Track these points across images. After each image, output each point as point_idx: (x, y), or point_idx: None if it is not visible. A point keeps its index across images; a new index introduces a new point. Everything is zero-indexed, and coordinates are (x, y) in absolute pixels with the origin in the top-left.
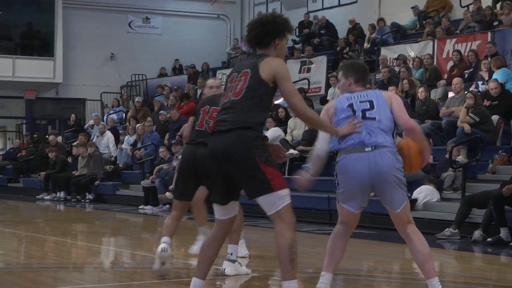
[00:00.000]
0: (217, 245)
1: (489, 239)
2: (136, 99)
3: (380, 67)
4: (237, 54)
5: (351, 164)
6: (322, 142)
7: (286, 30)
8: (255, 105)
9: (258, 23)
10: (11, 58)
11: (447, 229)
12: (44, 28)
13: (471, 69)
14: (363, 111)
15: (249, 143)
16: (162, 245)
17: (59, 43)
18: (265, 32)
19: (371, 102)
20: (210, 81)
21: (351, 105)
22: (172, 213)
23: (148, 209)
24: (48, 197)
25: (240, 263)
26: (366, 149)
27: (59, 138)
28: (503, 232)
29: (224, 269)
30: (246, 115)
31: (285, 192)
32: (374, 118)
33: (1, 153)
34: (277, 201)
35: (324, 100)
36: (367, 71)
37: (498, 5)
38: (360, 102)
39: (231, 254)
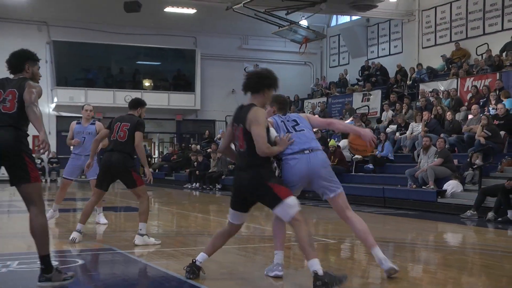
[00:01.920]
0: (226, 239)
1: (499, 219)
2: None
3: (419, 98)
4: (318, 89)
5: (294, 163)
6: None
7: (274, 85)
8: (255, 153)
9: (256, 75)
10: (166, 93)
11: (468, 211)
12: (188, 72)
13: (484, 99)
14: (293, 127)
15: (263, 178)
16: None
17: (197, 82)
18: (260, 83)
19: (295, 121)
20: (86, 106)
21: (283, 122)
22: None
23: None
24: (190, 186)
25: (148, 236)
26: (305, 152)
27: (198, 147)
28: (510, 213)
29: (135, 241)
30: (254, 159)
31: (292, 200)
32: (303, 130)
33: (161, 156)
34: (288, 209)
35: (379, 121)
36: (287, 102)
37: (504, 53)
38: (287, 121)
39: (141, 229)
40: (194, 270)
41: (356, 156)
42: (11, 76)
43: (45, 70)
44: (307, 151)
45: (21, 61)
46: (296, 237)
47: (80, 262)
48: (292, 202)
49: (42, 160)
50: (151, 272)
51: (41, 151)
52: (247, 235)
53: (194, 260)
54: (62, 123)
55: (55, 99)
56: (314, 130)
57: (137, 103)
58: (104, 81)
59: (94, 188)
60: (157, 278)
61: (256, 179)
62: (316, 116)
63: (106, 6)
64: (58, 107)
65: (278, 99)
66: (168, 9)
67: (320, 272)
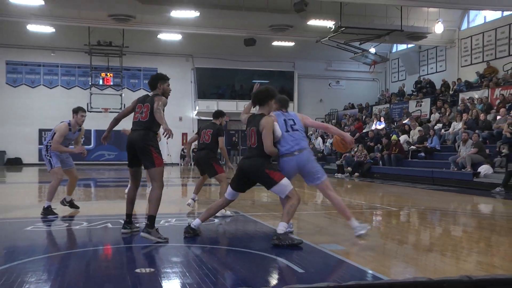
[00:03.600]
0: (218, 210)
1: None
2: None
3: (459, 103)
4: (383, 98)
5: (287, 162)
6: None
7: (274, 96)
8: (262, 149)
9: (261, 92)
10: None
11: (497, 188)
12: (289, 87)
13: (510, 104)
14: (291, 126)
15: (262, 166)
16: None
17: (295, 94)
18: (265, 97)
19: (293, 120)
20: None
21: (284, 120)
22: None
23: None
24: None
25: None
26: (295, 153)
27: None
28: None
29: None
30: (260, 152)
31: (285, 181)
32: (297, 130)
33: None
34: (283, 188)
35: (428, 121)
36: (287, 101)
37: None
38: (288, 119)
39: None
40: (189, 230)
41: (410, 146)
42: (151, 93)
43: (190, 88)
44: (296, 152)
45: (155, 81)
46: (286, 206)
47: (217, 220)
48: (285, 183)
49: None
50: (262, 228)
51: (166, 136)
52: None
53: (189, 224)
54: (203, 123)
55: (197, 108)
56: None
57: (218, 114)
58: (230, 95)
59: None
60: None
61: (256, 166)
62: (309, 118)
63: (232, 42)
64: (198, 113)
65: (280, 98)
66: (275, 43)
67: (280, 231)
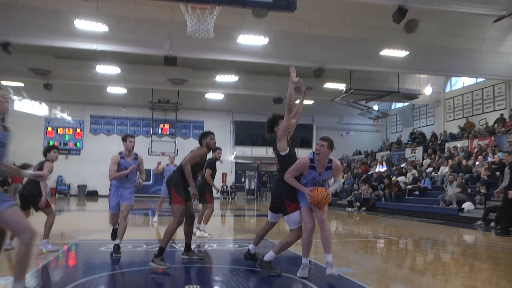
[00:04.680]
0: (265, 233)
1: (498, 227)
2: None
3: (446, 151)
4: (384, 146)
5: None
6: None
7: (278, 122)
8: (280, 169)
9: (267, 122)
10: (297, 148)
11: (478, 221)
12: (309, 137)
13: (485, 152)
14: None
15: (282, 194)
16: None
17: (314, 144)
18: (271, 125)
19: None
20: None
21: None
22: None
23: None
24: None
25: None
26: None
27: None
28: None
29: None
30: (281, 176)
31: (295, 217)
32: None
33: None
34: (291, 222)
35: (421, 165)
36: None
37: (496, 125)
38: None
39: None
40: (246, 256)
41: (407, 186)
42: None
43: (230, 136)
44: None
45: (200, 138)
46: (284, 239)
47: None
48: (294, 218)
49: (224, 187)
50: (287, 253)
51: (193, 199)
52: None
53: (248, 249)
54: (239, 165)
55: (234, 153)
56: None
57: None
58: (261, 142)
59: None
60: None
61: (278, 192)
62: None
63: (263, 100)
64: (236, 157)
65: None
66: (297, 101)
67: (266, 259)
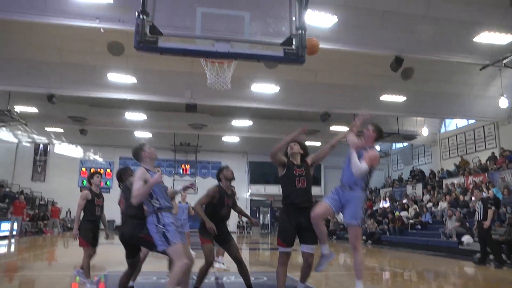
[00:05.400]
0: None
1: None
2: None
3: (443, 187)
4: (387, 183)
5: None
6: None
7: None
8: None
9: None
10: None
11: (477, 254)
12: (317, 177)
13: (480, 188)
14: None
15: None
16: None
17: (322, 183)
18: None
19: None
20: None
21: None
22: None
23: None
24: None
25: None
26: None
27: None
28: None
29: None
30: None
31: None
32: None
33: None
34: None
35: (421, 201)
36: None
37: (488, 162)
38: None
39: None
40: None
41: (409, 220)
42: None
43: (245, 176)
44: None
45: (217, 174)
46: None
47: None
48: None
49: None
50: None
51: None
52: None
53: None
54: (254, 202)
55: (249, 191)
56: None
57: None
58: (274, 181)
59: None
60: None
61: None
62: None
63: (275, 143)
64: (251, 195)
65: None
66: (306, 143)
67: None
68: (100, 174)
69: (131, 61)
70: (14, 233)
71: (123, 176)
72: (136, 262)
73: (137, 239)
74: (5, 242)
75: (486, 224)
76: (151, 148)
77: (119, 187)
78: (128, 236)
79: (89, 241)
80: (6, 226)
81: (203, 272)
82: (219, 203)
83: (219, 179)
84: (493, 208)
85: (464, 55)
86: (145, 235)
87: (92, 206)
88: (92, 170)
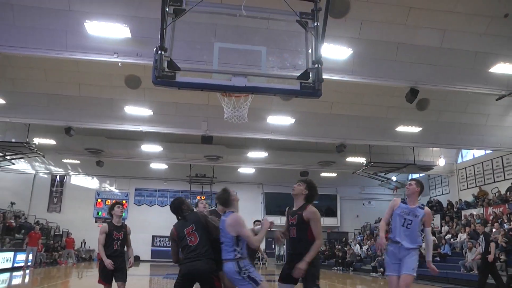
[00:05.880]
0: None
1: None
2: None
3: (462, 218)
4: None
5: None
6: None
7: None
8: None
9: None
10: (322, 217)
11: None
12: (333, 206)
13: (501, 219)
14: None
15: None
16: None
17: (338, 213)
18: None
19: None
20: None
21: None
22: None
23: None
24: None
25: None
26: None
27: (339, 247)
28: None
29: None
30: None
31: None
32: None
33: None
34: None
35: (439, 232)
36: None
37: (508, 193)
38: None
39: None
40: None
41: None
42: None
43: (260, 207)
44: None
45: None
46: None
47: None
48: None
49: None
50: None
51: None
52: None
53: None
54: (269, 233)
55: None
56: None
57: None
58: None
59: None
60: None
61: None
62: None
63: (291, 173)
64: None
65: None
66: (322, 174)
67: None
68: (121, 204)
69: (148, 93)
70: (29, 263)
71: (183, 207)
72: None
73: (209, 278)
74: (20, 273)
75: (491, 257)
76: (234, 190)
77: (178, 218)
78: (203, 272)
79: (103, 278)
80: (21, 257)
81: None
82: None
83: (216, 203)
84: (494, 241)
85: (479, 85)
86: (215, 277)
87: (111, 240)
88: (114, 201)
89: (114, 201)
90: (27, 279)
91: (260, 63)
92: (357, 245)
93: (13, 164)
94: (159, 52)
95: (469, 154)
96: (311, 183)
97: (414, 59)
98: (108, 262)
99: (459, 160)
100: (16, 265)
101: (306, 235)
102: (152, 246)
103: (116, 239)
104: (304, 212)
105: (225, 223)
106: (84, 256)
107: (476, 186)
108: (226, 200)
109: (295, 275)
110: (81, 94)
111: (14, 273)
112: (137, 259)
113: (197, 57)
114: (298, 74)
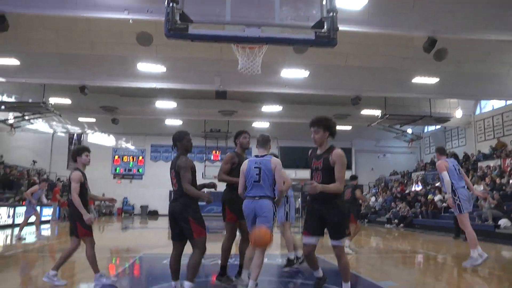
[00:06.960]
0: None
1: None
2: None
3: (478, 170)
4: (419, 166)
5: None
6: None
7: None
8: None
9: (263, 137)
10: None
11: None
12: (348, 160)
13: None
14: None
15: None
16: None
17: (353, 166)
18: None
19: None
20: None
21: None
22: None
23: None
24: None
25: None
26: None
27: None
28: None
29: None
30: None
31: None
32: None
33: None
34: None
35: None
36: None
37: None
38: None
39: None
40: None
41: (443, 203)
42: None
43: None
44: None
45: (235, 138)
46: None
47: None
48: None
49: None
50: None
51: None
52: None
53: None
54: None
55: None
56: None
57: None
58: (304, 165)
59: None
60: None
61: None
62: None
63: (305, 127)
64: None
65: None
66: (337, 127)
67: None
68: (89, 151)
69: (160, 50)
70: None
71: (184, 140)
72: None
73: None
74: (48, 226)
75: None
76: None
77: (174, 151)
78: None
79: (88, 228)
80: (46, 211)
81: (226, 249)
82: (239, 167)
83: (235, 143)
84: None
85: (502, 32)
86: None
87: (84, 189)
88: (83, 146)
89: (82, 146)
90: (54, 232)
91: (273, 15)
92: (373, 197)
93: (32, 124)
94: (171, 4)
95: (488, 105)
96: (326, 121)
97: (433, 7)
98: (88, 218)
99: (477, 112)
100: (42, 219)
101: (333, 181)
102: (169, 201)
103: (87, 189)
104: (331, 155)
105: (270, 164)
106: (104, 211)
107: (494, 137)
108: (268, 141)
109: (307, 188)
110: (93, 53)
111: (42, 226)
112: (155, 213)
113: (209, 10)
114: (313, 24)
